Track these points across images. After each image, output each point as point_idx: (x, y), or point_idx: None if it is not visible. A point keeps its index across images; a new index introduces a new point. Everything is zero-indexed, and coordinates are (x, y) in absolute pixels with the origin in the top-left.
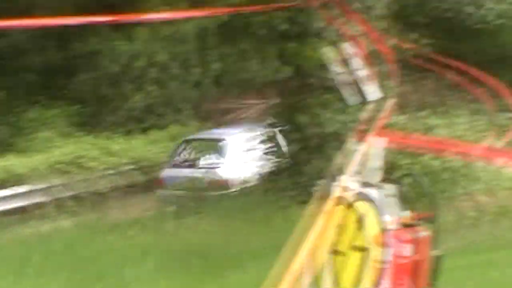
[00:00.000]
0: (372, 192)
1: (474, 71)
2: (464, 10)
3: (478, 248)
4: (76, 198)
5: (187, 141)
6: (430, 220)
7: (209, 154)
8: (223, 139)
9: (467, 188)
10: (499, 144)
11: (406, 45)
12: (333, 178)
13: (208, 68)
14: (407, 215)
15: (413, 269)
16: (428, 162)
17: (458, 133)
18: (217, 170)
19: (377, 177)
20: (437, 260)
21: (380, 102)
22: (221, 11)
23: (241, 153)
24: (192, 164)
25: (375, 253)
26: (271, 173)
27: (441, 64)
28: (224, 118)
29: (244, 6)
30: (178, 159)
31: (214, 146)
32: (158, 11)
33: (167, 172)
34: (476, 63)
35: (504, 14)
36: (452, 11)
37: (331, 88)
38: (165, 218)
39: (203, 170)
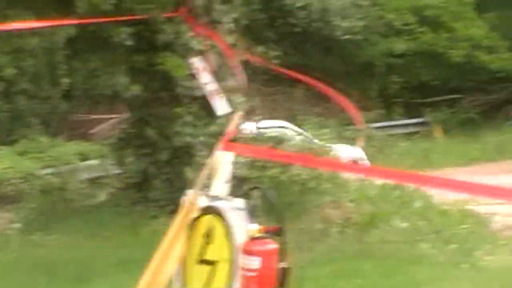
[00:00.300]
0: (221, 205)
1: (323, 85)
2: (312, 26)
3: (325, 260)
4: None
5: None
6: (277, 233)
7: None
8: None
9: (315, 201)
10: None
11: (256, 60)
12: (184, 191)
13: (58, 82)
14: (255, 228)
15: (261, 282)
16: (276, 175)
17: (306, 146)
18: None
19: (225, 190)
20: (285, 272)
21: (229, 115)
22: (68, 23)
23: None
24: None
25: (223, 266)
26: (122, 189)
27: (291, 78)
28: (75, 133)
29: (92, 19)
30: None
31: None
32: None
33: None
34: (325, 77)
35: (350, 30)
36: (301, 26)
37: (181, 102)
38: (12, 235)
39: None
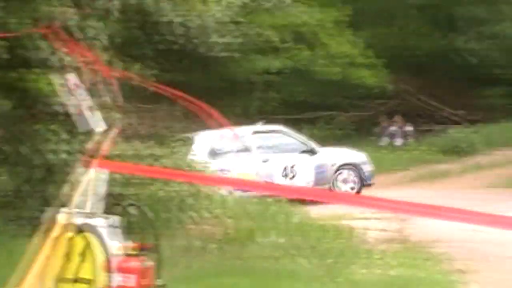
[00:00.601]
0: (96, 223)
1: (201, 103)
2: (191, 43)
3: (204, 275)
4: None
5: None
6: (153, 250)
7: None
8: (192, 137)
9: (193, 217)
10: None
11: (132, 76)
12: (58, 209)
13: None
14: (130, 245)
15: None
16: (154, 192)
17: (183, 163)
18: None
19: (100, 207)
20: None
21: (105, 132)
22: None
23: (205, 151)
24: None
25: (99, 284)
26: None
27: (168, 95)
28: None
29: None
30: None
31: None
32: None
33: None
34: (204, 94)
35: (228, 47)
36: (179, 43)
37: (56, 118)
38: None
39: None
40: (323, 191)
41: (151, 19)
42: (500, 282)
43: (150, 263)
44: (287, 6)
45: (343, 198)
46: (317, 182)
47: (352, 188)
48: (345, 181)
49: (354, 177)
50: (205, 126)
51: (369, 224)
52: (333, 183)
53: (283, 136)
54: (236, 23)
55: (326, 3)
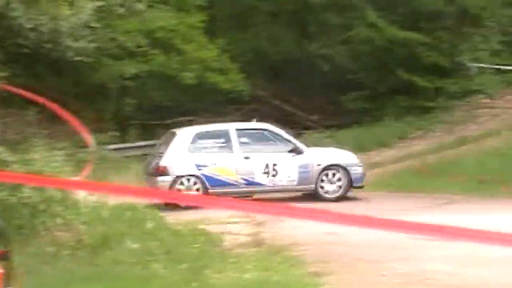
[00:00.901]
0: None
1: (56, 107)
2: (43, 47)
3: (55, 283)
4: None
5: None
6: (4, 257)
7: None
8: (175, 132)
9: (45, 223)
10: (78, 178)
11: None
12: None
13: None
14: None
15: None
16: (4, 198)
17: (35, 169)
18: (162, 158)
19: None
20: None
21: None
22: None
23: (185, 146)
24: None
25: None
26: None
27: (21, 100)
28: None
29: None
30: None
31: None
32: None
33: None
34: (57, 99)
35: (82, 52)
36: (30, 48)
37: None
38: None
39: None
40: (166, 192)
41: (1, 22)
42: (353, 284)
43: (0, 270)
44: (142, 12)
45: (193, 199)
46: (301, 181)
47: (338, 190)
48: (330, 181)
49: (341, 178)
50: (57, 131)
51: (225, 228)
52: (317, 184)
53: (268, 135)
54: (90, 27)
55: (182, 8)
